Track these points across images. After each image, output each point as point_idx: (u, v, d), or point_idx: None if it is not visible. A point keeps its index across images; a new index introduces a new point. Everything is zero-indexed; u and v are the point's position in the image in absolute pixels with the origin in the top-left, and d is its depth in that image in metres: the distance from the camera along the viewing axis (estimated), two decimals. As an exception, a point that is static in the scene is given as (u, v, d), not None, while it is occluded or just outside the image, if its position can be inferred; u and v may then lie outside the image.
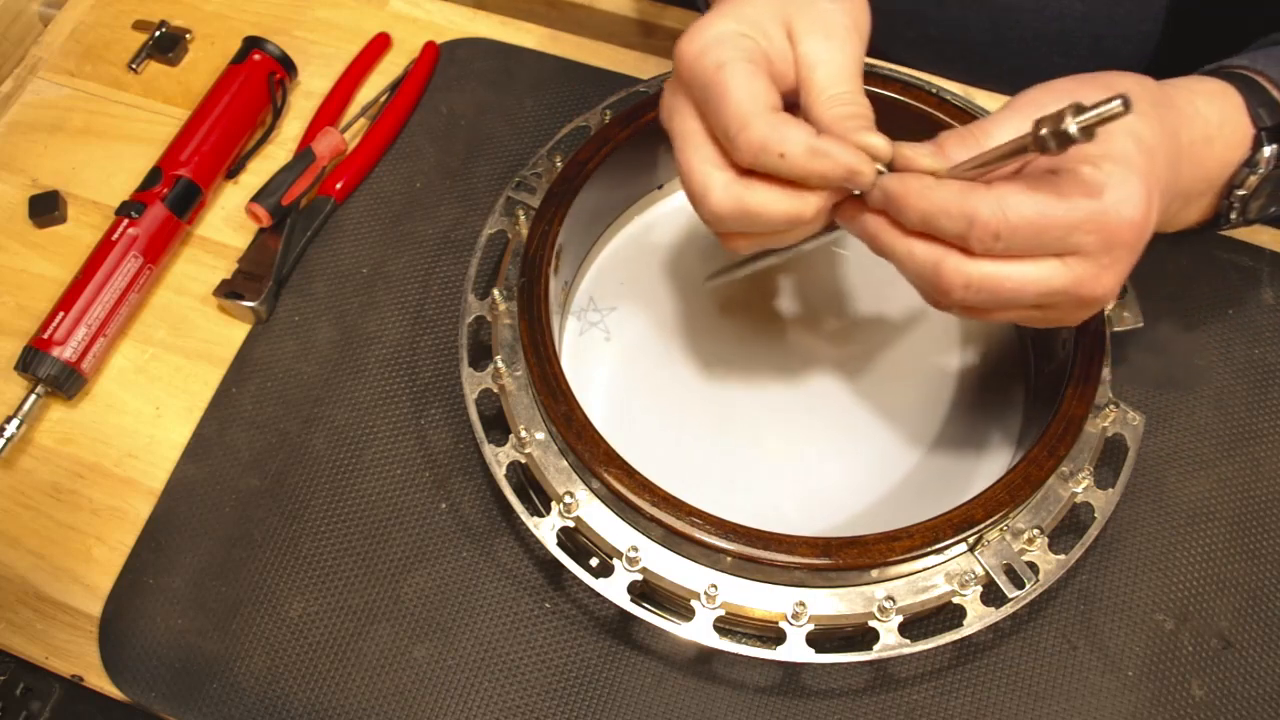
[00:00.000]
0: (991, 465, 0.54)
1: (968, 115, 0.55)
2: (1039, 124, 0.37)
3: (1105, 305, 0.40)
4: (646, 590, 0.49)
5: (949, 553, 0.47)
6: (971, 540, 0.47)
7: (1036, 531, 0.48)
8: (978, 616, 0.47)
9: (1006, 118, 0.40)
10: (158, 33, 0.70)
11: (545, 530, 0.48)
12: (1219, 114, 0.45)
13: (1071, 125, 0.36)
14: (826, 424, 0.55)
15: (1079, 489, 0.49)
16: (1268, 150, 0.45)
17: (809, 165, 0.40)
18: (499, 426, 0.52)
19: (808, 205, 0.41)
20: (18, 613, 0.54)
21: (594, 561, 0.50)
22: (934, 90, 0.56)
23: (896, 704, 0.51)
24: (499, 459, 0.50)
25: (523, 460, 0.50)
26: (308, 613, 0.53)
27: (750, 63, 0.41)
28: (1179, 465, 0.55)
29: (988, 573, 0.47)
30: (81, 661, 0.53)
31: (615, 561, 0.48)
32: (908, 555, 0.45)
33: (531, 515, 0.49)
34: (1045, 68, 0.66)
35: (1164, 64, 0.66)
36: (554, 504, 0.48)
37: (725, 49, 0.41)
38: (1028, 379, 0.56)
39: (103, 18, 0.72)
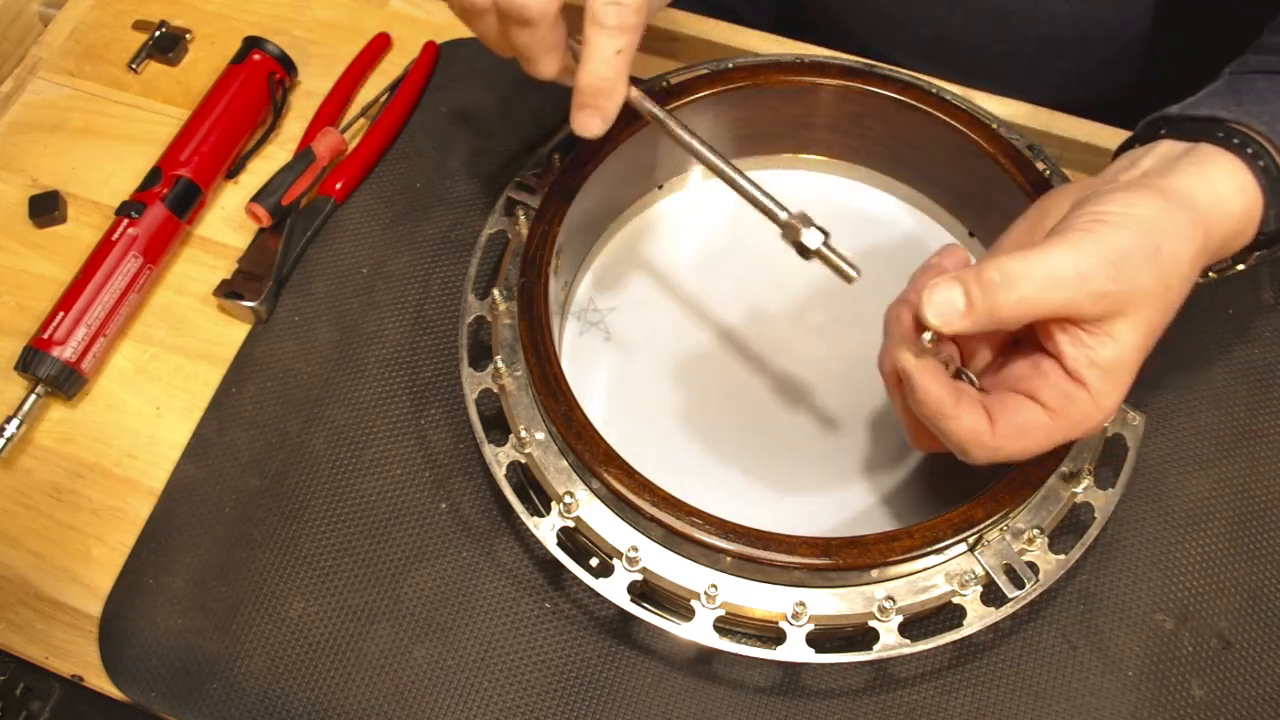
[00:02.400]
0: (988, 475, 0.54)
1: (966, 115, 0.55)
2: (791, 224, 0.44)
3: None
4: (646, 590, 0.49)
5: (949, 553, 0.47)
6: (971, 540, 0.47)
7: (1036, 531, 0.48)
8: (978, 616, 0.47)
9: (1063, 258, 0.40)
10: (158, 33, 0.70)
11: (545, 530, 0.48)
12: (1243, 210, 0.44)
13: (806, 244, 0.44)
14: (827, 423, 0.55)
15: (1079, 489, 0.49)
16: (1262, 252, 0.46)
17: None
18: (499, 426, 0.52)
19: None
20: (18, 613, 0.54)
21: (594, 561, 0.50)
22: (934, 90, 0.56)
23: (896, 704, 0.51)
24: (499, 459, 0.50)
25: (523, 460, 0.50)
26: (308, 613, 0.53)
27: None
28: (1179, 465, 0.55)
29: (988, 573, 0.47)
30: (81, 661, 0.53)
31: (615, 561, 0.48)
32: (908, 555, 0.45)
33: (531, 515, 0.49)
34: (1035, 69, 0.66)
35: (1153, 64, 0.66)
36: (554, 504, 0.48)
37: None
38: None
39: (103, 18, 0.72)
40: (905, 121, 0.57)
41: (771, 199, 0.45)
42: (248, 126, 0.66)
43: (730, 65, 0.57)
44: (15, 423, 0.57)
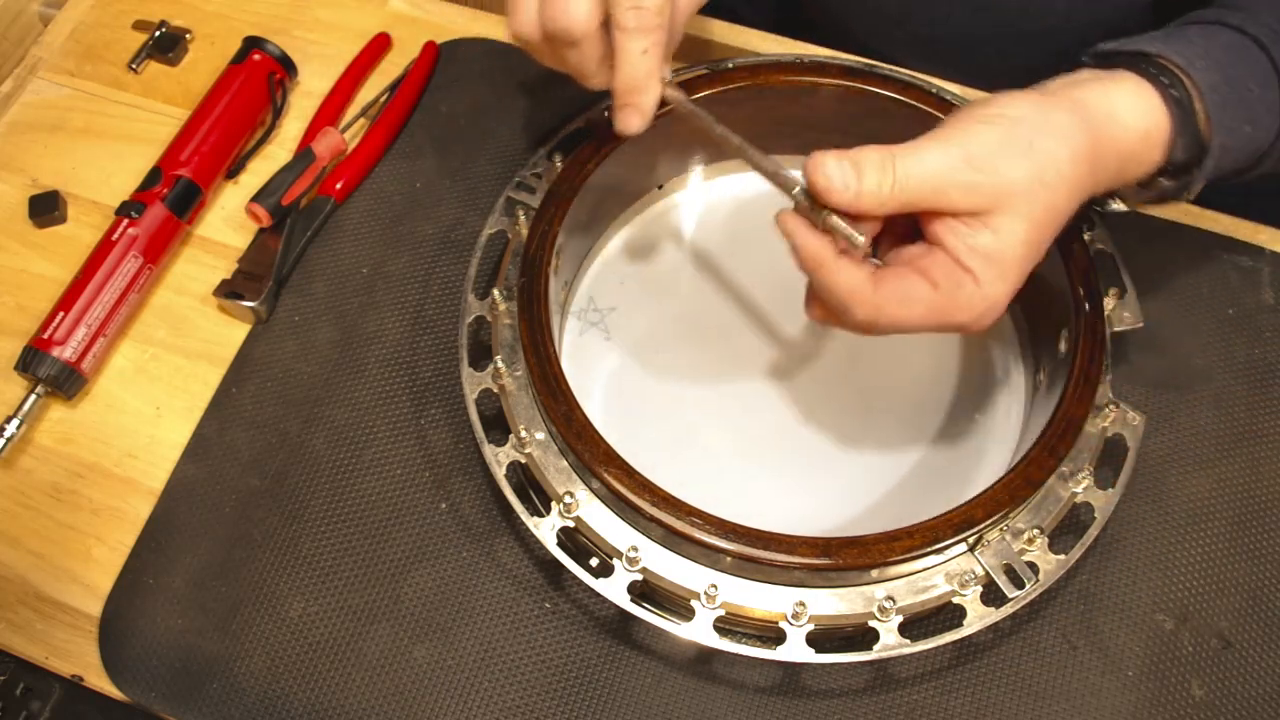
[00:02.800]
0: (991, 465, 0.54)
1: None
2: (801, 197, 0.44)
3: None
4: (646, 590, 0.49)
5: (949, 553, 0.47)
6: (971, 540, 0.47)
7: (1036, 531, 0.48)
8: (978, 616, 0.47)
9: (935, 151, 0.42)
10: (158, 33, 0.70)
11: (545, 530, 0.48)
12: (1142, 129, 0.45)
13: (820, 219, 0.43)
14: (827, 423, 0.55)
15: (1079, 489, 0.49)
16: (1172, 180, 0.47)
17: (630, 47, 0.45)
18: (499, 426, 0.52)
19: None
20: (18, 613, 0.54)
21: (594, 561, 0.50)
22: (934, 90, 0.56)
23: (896, 704, 0.51)
24: (499, 459, 0.50)
25: (523, 460, 0.50)
26: (308, 613, 0.53)
27: None
28: (1179, 465, 0.55)
29: (988, 573, 0.47)
30: (81, 661, 0.53)
31: (615, 561, 0.48)
32: (908, 555, 0.45)
33: (531, 515, 0.49)
34: (1034, 66, 0.67)
35: None
36: (554, 504, 0.48)
37: None
38: (1028, 379, 0.56)
39: (103, 18, 0.72)
40: (905, 121, 0.57)
41: (787, 175, 0.46)
42: (248, 126, 0.66)
43: (730, 65, 0.57)
44: (15, 423, 0.57)
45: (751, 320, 0.58)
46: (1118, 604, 0.52)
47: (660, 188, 0.62)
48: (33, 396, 0.57)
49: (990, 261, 0.42)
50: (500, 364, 0.51)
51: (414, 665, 0.52)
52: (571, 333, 0.58)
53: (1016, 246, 0.42)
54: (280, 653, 0.52)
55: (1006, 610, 0.47)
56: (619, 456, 0.47)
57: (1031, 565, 0.47)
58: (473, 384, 0.52)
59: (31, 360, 0.57)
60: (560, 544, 0.48)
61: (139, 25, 0.71)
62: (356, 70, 0.68)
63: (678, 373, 0.57)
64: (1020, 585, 0.47)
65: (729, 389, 0.56)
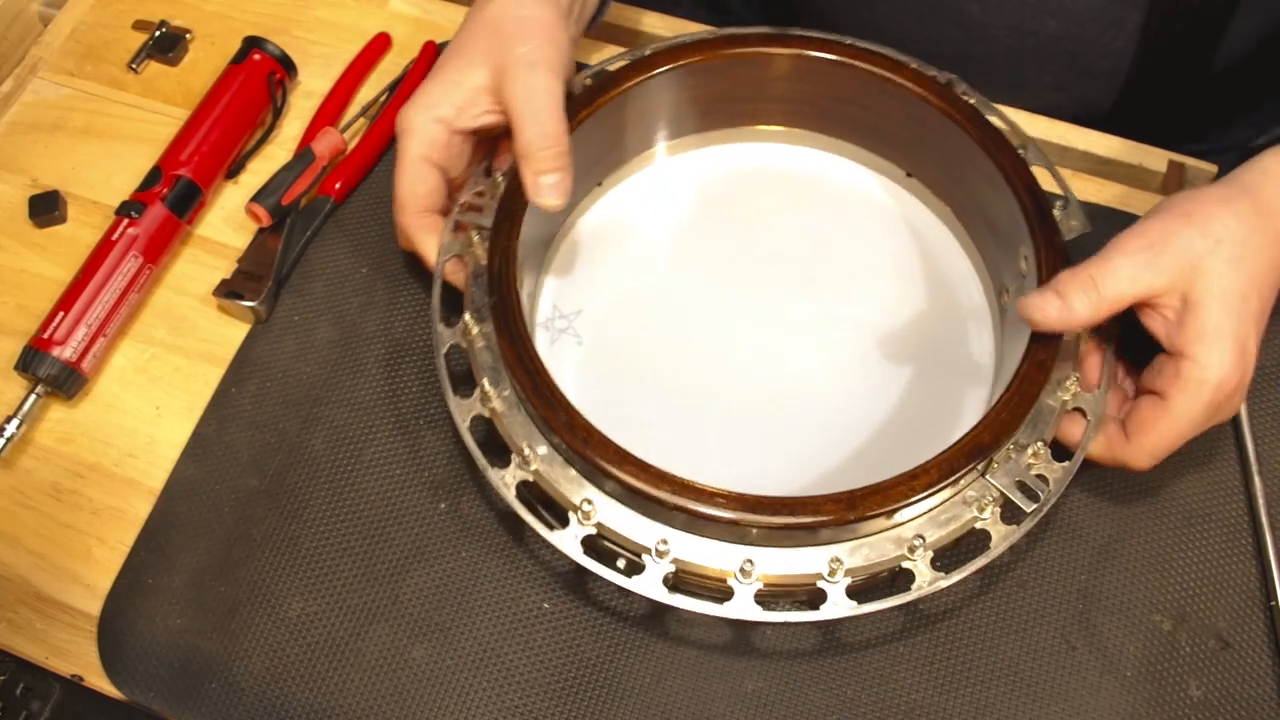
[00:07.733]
0: (972, 395, 0.55)
1: (885, 59, 0.56)
2: None
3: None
4: (678, 580, 0.48)
5: (963, 482, 0.47)
6: (982, 466, 0.47)
7: (1040, 444, 0.48)
8: (1002, 537, 0.48)
9: (1125, 268, 0.47)
10: (158, 33, 0.70)
11: (569, 541, 0.47)
12: None
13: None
14: (807, 383, 0.56)
15: (1068, 396, 0.50)
16: None
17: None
18: (495, 448, 0.50)
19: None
20: (18, 613, 0.54)
21: (620, 562, 0.49)
22: (848, 41, 0.57)
23: (897, 704, 0.51)
24: (506, 481, 0.48)
25: (530, 478, 0.49)
26: (307, 613, 0.53)
27: (423, 159, 0.54)
28: (1177, 465, 0.55)
29: (1003, 493, 0.47)
30: (81, 661, 0.53)
31: (645, 557, 0.47)
32: (929, 491, 0.45)
33: (550, 530, 0.48)
34: (1022, 81, 0.67)
35: (1139, 79, 0.66)
36: (571, 514, 0.48)
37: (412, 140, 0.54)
38: (991, 302, 0.57)
39: (103, 18, 0.72)
40: (834, 78, 0.57)
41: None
42: (248, 126, 0.66)
43: (647, 53, 0.57)
44: (15, 423, 0.57)
45: (723, 295, 0.58)
46: (1116, 604, 0.52)
47: (599, 184, 0.61)
48: (33, 396, 0.57)
49: (1204, 341, 0.46)
50: (488, 387, 0.50)
51: (413, 665, 0.52)
52: (543, 344, 0.57)
53: (1217, 316, 0.46)
54: (280, 652, 0.52)
55: (1028, 525, 0.47)
56: (631, 454, 0.46)
57: (1041, 478, 0.48)
58: (463, 412, 0.50)
59: (31, 360, 0.57)
60: (585, 550, 0.47)
61: (139, 25, 0.71)
62: (356, 70, 0.68)
63: (655, 360, 0.57)
64: (1035, 499, 0.47)
65: (708, 367, 0.56)
